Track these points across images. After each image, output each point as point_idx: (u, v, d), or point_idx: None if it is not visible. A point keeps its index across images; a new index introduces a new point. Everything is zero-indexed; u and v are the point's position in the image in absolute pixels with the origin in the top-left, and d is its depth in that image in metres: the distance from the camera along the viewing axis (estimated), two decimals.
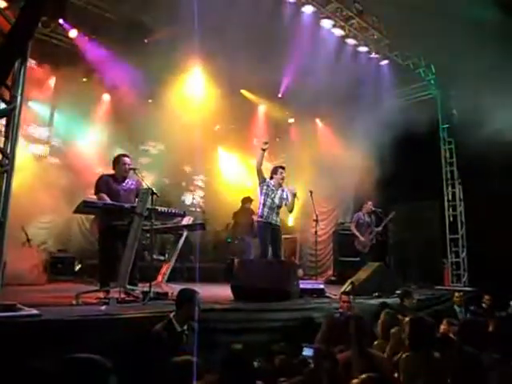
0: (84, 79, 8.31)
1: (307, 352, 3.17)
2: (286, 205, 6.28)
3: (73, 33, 7.86)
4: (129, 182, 5.29)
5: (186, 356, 2.63)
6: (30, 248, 7.00)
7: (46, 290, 5.65)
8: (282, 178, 6.31)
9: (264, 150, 6.01)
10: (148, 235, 5.99)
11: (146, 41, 8.45)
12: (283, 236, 9.33)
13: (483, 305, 6.55)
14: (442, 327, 4.20)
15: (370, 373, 2.33)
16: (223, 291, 5.60)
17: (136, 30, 7.89)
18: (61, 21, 7.64)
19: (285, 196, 6.30)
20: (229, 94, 9.64)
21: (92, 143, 8.61)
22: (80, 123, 8.51)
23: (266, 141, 6.07)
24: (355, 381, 2.17)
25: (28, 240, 7.07)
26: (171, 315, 3.40)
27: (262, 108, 11.16)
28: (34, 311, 3.19)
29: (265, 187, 6.19)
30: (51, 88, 8.46)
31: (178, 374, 2.48)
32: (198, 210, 10.58)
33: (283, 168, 6.40)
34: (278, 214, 6.22)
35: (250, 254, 8.50)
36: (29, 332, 2.94)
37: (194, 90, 9.55)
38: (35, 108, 8.36)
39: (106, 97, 8.98)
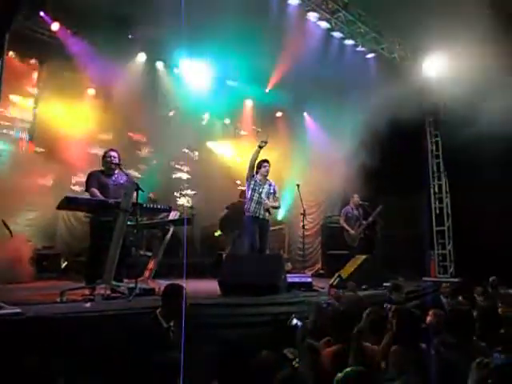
0: (69, 72, 8.13)
1: (295, 322, 3.18)
2: (273, 200, 6.34)
3: (55, 26, 7.70)
4: (118, 177, 5.29)
5: (173, 352, 2.61)
6: (13, 243, 6.85)
7: (30, 288, 5.57)
8: (267, 172, 6.36)
9: (261, 147, 6.10)
10: (135, 231, 5.96)
11: (130, 36, 8.34)
12: (272, 229, 9.41)
13: (475, 295, 6.58)
14: (429, 318, 4.22)
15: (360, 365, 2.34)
16: (211, 286, 5.57)
17: (120, 24, 7.78)
18: (41, 13, 7.48)
19: (271, 191, 6.37)
20: (217, 87, 9.58)
21: (78, 134, 8.47)
22: (65, 115, 8.34)
23: (265, 140, 6.14)
24: (340, 374, 2.17)
25: (11, 234, 6.93)
26: (157, 311, 3.37)
27: (249, 102, 11.08)
28: (17, 309, 3.13)
29: (252, 182, 6.24)
30: (34, 80, 8.27)
31: (164, 371, 2.46)
32: (186, 202, 10.52)
33: (267, 161, 6.42)
34: (265, 208, 6.23)
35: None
36: (11, 331, 2.89)
37: (179, 82, 9.45)
38: (17, 101, 8.18)
39: (91, 89, 8.80)
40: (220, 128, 11.21)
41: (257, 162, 6.29)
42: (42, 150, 8.30)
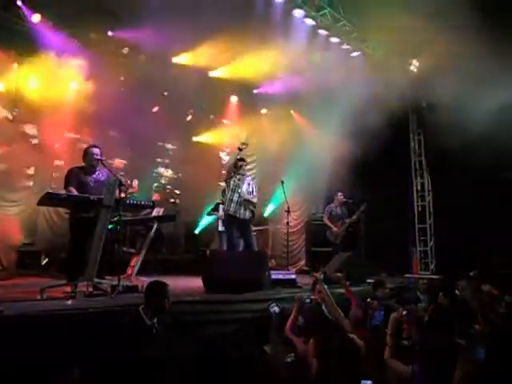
0: (49, 64, 7.93)
1: (274, 309, 3.18)
2: (252, 198, 6.32)
3: (36, 17, 7.51)
4: (99, 174, 5.19)
5: (156, 350, 2.58)
6: None
7: (10, 285, 5.48)
8: (244, 170, 6.41)
9: (240, 150, 6.12)
10: (118, 227, 5.90)
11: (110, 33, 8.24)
12: (257, 228, 9.42)
13: (457, 291, 6.62)
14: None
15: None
16: (195, 283, 5.55)
17: (102, 19, 7.65)
18: (19, 3, 7.25)
19: (250, 189, 6.35)
20: (201, 82, 9.48)
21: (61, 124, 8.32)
22: (47, 105, 8.16)
23: (245, 142, 6.18)
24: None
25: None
26: (140, 308, 3.33)
27: (235, 98, 11.03)
28: None
29: (231, 183, 6.23)
30: (15, 72, 8.07)
31: (148, 369, 2.43)
32: (171, 200, 10.46)
33: (244, 160, 6.47)
34: (246, 207, 6.20)
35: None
36: None
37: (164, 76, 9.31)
38: None
39: (74, 82, 8.61)
40: (205, 123, 11.13)
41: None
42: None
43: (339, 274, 4.95)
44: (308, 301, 3.51)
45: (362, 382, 2.10)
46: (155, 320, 3.27)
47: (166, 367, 2.39)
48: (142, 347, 2.46)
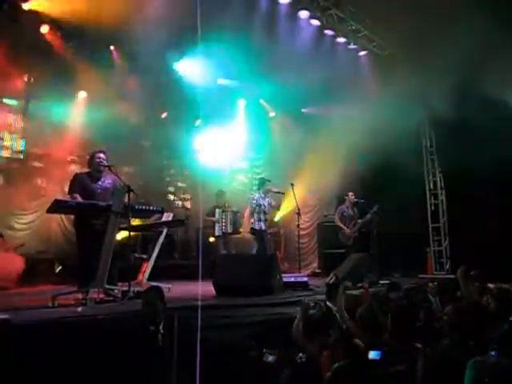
0: (58, 75, 8.01)
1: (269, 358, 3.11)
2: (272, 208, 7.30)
3: (44, 28, 7.61)
4: (105, 181, 5.17)
5: (160, 355, 2.56)
6: (6, 253, 6.83)
7: (23, 294, 5.53)
8: (269, 189, 7.07)
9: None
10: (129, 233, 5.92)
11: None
12: (269, 230, 9.39)
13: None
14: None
15: None
16: (206, 288, 5.53)
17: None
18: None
19: (272, 203, 7.15)
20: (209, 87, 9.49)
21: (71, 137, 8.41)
22: (57, 116, 8.24)
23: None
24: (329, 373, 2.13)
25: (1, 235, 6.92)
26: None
27: (242, 102, 11.03)
28: (3, 316, 3.09)
29: (254, 202, 6.94)
30: (24, 84, 8.17)
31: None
32: (181, 205, 10.48)
33: (269, 181, 7.22)
34: (266, 219, 7.06)
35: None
36: None
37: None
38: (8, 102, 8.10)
39: (82, 92, 8.70)
40: (213, 129, 11.13)
41: (259, 179, 7.52)
42: (35, 152, 8.25)
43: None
44: (312, 305, 3.42)
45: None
46: (161, 326, 3.25)
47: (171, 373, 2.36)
48: (145, 353, 2.44)
